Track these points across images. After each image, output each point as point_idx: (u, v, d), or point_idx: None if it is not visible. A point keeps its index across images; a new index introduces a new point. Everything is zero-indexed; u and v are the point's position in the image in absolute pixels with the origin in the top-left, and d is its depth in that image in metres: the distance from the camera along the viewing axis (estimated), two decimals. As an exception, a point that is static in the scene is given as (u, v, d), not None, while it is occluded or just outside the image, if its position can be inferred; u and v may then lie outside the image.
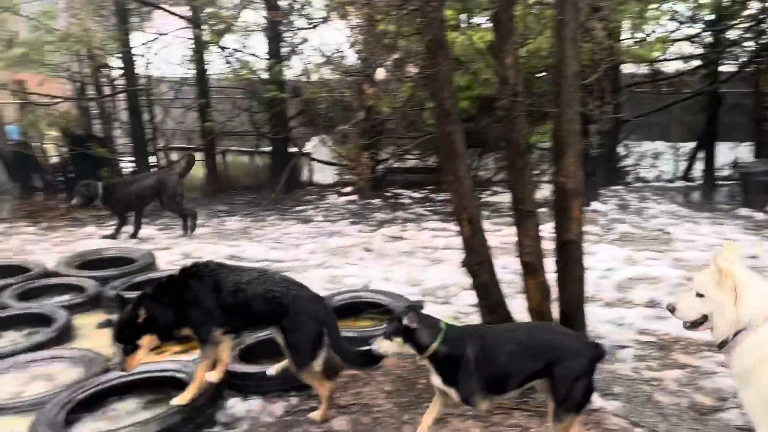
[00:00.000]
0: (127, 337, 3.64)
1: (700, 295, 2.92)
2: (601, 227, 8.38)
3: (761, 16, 9.79)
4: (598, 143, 6.07)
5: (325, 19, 10.67)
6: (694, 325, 2.99)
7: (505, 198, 9.32)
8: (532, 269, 4.06)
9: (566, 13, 3.76)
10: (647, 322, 5.10)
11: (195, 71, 11.69)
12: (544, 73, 7.52)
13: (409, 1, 4.19)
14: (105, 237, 8.71)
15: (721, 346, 2.89)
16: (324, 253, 7.75)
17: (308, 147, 12.66)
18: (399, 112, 6.45)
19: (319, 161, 12.51)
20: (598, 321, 4.97)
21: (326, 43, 10.06)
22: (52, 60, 10.65)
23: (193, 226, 8.90)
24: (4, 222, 9.97)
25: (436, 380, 3.26)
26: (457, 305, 5.71)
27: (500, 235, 7.34)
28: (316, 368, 3.75)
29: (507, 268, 5.61)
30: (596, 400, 3.91)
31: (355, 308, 5.39)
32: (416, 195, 11.22)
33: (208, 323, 3.73)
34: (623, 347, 4.67)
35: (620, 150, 11.81)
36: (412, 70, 5.29)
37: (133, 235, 8.72)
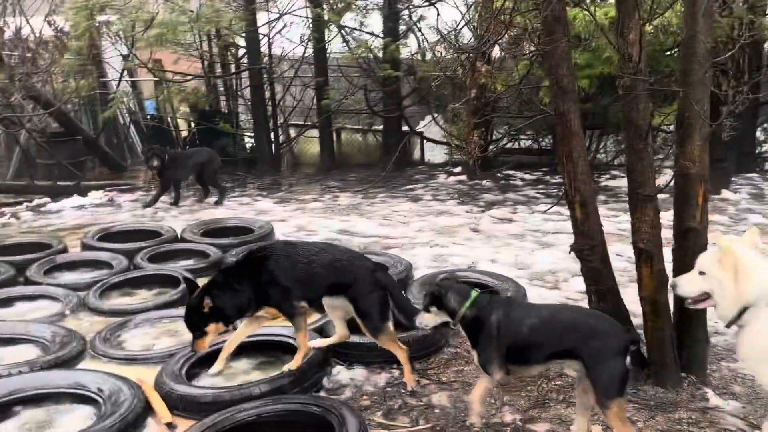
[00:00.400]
0: (195, 324, 3.90)
1: (702, 273, 3.06)
2: (729, 217, 7.79)
3: None
4: (731, 126, 5.60)
5: (443, -3, 10.59)
6: (696, 302, 3.14)
7: (623, 183, 8.87)
8: (647, 256, 3.85)
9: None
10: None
11: (314, 50, 12.02)
12: (672, 51, 7.06)
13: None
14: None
15: (730, 325, 2.97)
16: (431, 231, 7.80)
17: (420, 126, 12.70)
18: (513, 90, 6.30)
19: (430, 140, 12.51)
20: (720, 316, 4.66)
21: (443, 21, 9.98)
22: (185, 40, 11.37)
23: (221, 200, 9.78)
24: (141, 190, 10.89)
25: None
26: (566, 291, 5.57)
27: (616, 222, 7.04)
28: (390, 330, 3.93)
29: (622, 256, 5.40)
30: (712, 398, 3.70)
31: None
32: (528, 177, 10.94)
33: (289, 298, 3.93)
34: (747, 346, 4.36)
35: (758, 135, 10.84)
36: (528, 47, 5.14)
37: (175, 203, 9.67)
